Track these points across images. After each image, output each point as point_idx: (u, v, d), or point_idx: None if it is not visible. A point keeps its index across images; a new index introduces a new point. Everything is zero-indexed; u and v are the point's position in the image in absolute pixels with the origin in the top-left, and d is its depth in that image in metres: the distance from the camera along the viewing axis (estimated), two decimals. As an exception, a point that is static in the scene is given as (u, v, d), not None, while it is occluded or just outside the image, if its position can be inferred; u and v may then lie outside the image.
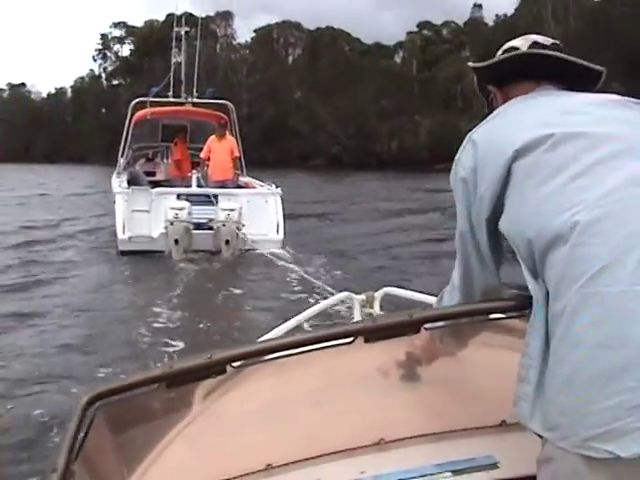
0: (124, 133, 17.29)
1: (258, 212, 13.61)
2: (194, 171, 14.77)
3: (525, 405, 1.41)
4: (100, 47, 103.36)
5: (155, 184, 14.92)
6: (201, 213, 13.03)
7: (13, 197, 26.90)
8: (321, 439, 1.92)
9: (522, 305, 1.54)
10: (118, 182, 14.99)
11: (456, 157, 1.69)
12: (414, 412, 2.03)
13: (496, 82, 1.85)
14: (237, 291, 10.67)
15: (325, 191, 33.54)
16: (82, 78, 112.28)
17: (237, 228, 12.73)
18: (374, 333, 1.62)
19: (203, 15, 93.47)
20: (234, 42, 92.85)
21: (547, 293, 1.39)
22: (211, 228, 12.88)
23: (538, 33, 1.88)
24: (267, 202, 14.00)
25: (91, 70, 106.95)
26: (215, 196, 13.54)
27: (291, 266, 11.97)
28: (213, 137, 15.05)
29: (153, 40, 78.28)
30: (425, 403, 2.04)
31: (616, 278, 1.29)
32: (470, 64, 1.90)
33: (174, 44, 20.34)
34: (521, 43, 1.81)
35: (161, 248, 12.74)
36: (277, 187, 14.42)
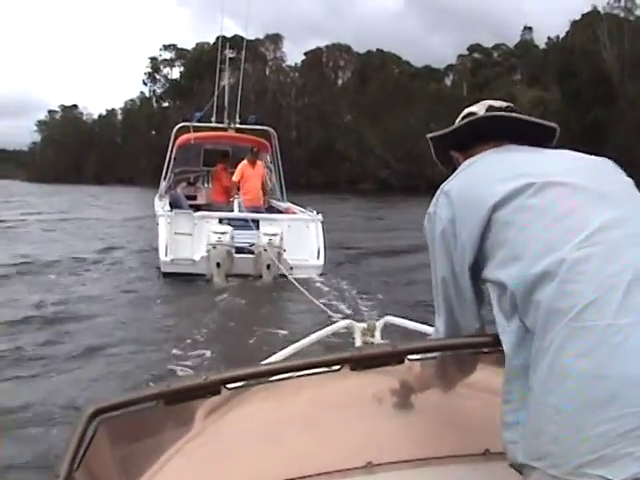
0: (167, 157, 17.54)
1: (299, 237, 13.70)
2: (236, 196, 14.95)
3: (510, 436, 1.50)
4: (150, 70, 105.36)
5: (196, 208, 15.12)
6: (243, 237, 13.13)
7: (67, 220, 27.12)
8: (312, 460, 2.00)
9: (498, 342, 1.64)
10: (161, 205, 15.22)
11: (430, 210, 1.78)
12: (401, 438, 2.12)
13: (459, 147, 1.96)
14: (275, 316, 10.66)
15: (374, 216, 33.41)
16: (132, 100, 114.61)
17: (278, 253, 12.73)
18: (360, 362, 1.72)
19: (252, 38, 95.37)
20: (283, 65, 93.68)
21: (526, 330, 1.48)
22: (252, 252, 12.96)
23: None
24: (308, 227, 14.09)
25: (142, 92, 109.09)
26: (256, 221, 13.67)
27: (329, 293, 11.97)
28: (245, 162, 15.18)
29: (203, 62, 79.40)
30: (411, 430, 2.14)
31: (601, 313, 1.37)
32: (429, 135, 2.01)
33: (219, 68, 20.48)
34: (478, 108, 1.96)
35: (203, 271, 12.84)
36: (318, 213, 14.50)
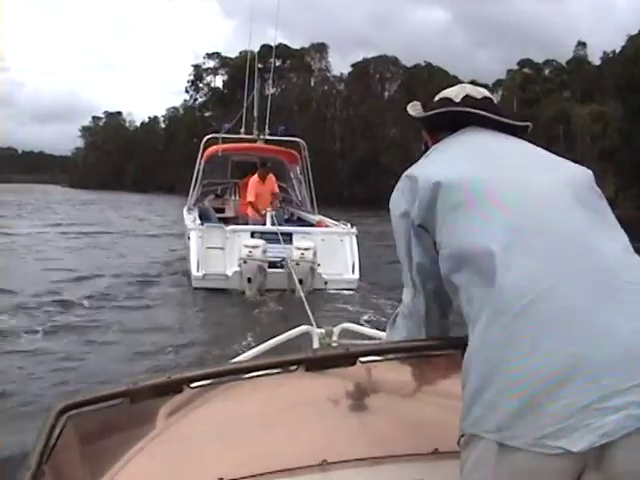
0: (195, 169, 17.46)
1: (333, 251, 13.57)
2: (268, 209, 14.75)
3: (475, 410, 1.53)
4: (193, 78, 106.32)
5: (224, 221, 15.08)
6: (275, 251, 12.98)
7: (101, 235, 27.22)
8: (268, 458, 2.09)
9: (455, 344, 1.74)
10: (191, 218, 15.13)
11: (393, 195, 1.89)
12: (355, 437, 2.23)
13: (428, 130, 2.10)
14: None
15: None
16: (175, 108, 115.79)
17: (311, 268, 12.65)
18: (314, 363, 1.84)
19: (298, 47, 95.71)
20: (328, 75, 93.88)
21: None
22: (282, 266, 12.80)
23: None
24: (342, 241, 13.93)
25: (185, 100, 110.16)
26: (289, 234, 13.54)
27: (363, 308, 11.90)
28: (256, 178, 15.10)
29: (245, 71, 79.72)
30: (365, 429, 2.25)
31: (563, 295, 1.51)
32: (409, 111, 2.11)
33: (247, 78, 20.28)
34: (455, 94, 2.04)
35: (235, 286, 12.77)
36: (352, 226, 14.36)
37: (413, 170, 1.85)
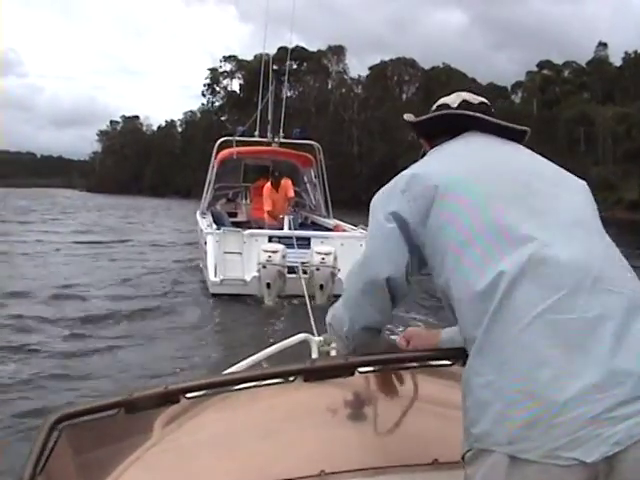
0: (208, 172, 17.34)
1: (352, 256, 13.13)
2: (283, 214, 14.61)
3: (483, 423, 1.51)
4: (209, 81, 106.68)
5: (236, 225, 14.88)
6: (295, 256, 12.76)
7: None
8: (266, 469, 2.11)
9: (455, 355, 1.73)
10: (206, 222, 15.00)
11: (385, 191, 1.87)
12: (353, 447, 2.24)
13: (426, 136, 2.05)
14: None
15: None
16: (191, 112, 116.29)
17: (332, 273, 12.45)
18: (312, 374, 1.82)
19: (315, 49, 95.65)
20: (346, 77, 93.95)
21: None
22: (305, 272, 12.51)
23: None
24: (362, 246, 13.52)
25: (203, 104, 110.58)
26: (307, 239, 13.39)
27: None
28: (269, 187, 15.04)
29: (265, 75, 79.71)
30: (363, 440, 2.27)
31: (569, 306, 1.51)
32: (405, 117, 2.09)
33: (262, 80, 20.02)
34: (452, 100, 2.02)
35: (253, 292, 12.54)
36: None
37: (413, 170, 1.84)
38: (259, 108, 18.17)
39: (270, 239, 13.09)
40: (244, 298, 12.48)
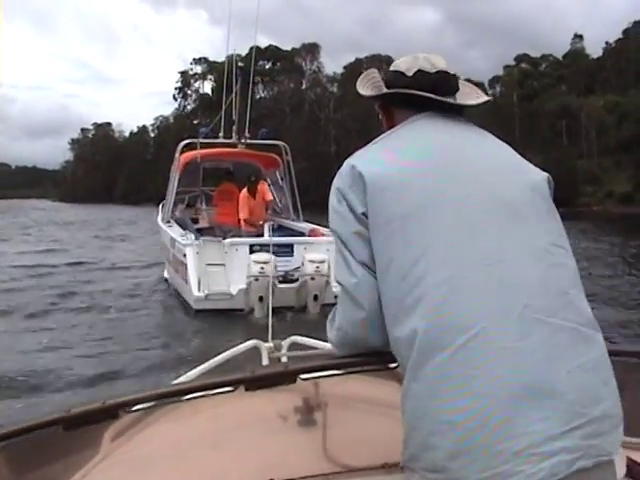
0: (171, 177, 16.67)
1: None
2: (261, 222, 14.08)
3: (411, 446, 1.52)
4: (180, 85, 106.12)
5: (199, 232, 14.10)
6: (284, 266, 12.29)
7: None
8: (218, 479, 2.17)
9: (392, 359, 1.69)
10: (179, 232, 14.28)
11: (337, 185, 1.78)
12: (302, 454, 2.28)
13: (380, 104, 1.97)
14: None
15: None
16: (163, 117, 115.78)
17: (327, 282, 11.75)
18: (253, 383, 1.80)
19: (288, 48, 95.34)
20: (321, 76, 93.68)
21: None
22: (294, 281, 12.10)
23: None
24: None
25: (176, 109, 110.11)
26: (290, 245, 12.87)
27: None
28: (245, 194, 14.40)
29: (237, 75, 79.51)
30: (312, 446, 2.26)
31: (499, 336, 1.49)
32: (358, 85, 1.96)
33: (234, 77, 19.06)
34: (407, 67, 1.88)
35: (240, 306, 11.95)
36: None
37: (359, 161, 1.76)
38: (223, 108, 17.47)
39: (251, 248, 12.52)
40: (228, 313, 11.78)
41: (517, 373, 1.45)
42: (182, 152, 16.26)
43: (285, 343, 3.46)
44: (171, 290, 14.88)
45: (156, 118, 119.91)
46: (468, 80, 2.03)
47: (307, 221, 15.91)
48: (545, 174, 1.81)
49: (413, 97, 1.84)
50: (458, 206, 1.61)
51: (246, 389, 1.80)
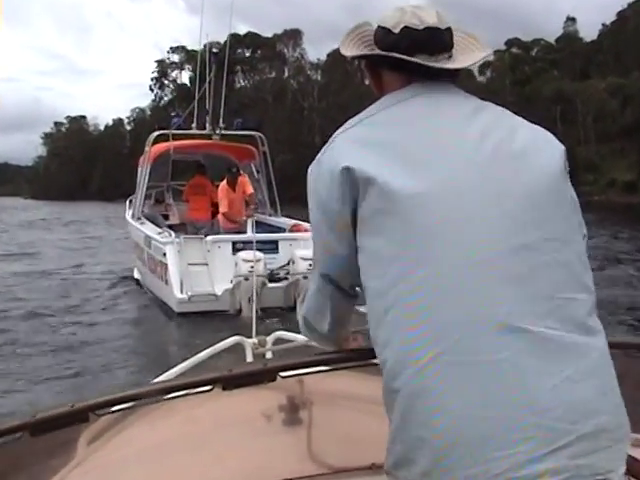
0: (140, 170, 16.36)
1: None
2: (244, 217, 13.81)
3: (393, 453, 1.50)
4: (157, 75, 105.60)
5: (170, 228, 13.98)
6: (269, 264, 12.11)
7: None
8: None
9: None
10: (154, 230, 14.07)
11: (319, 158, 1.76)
12: (286, 456, 2.27)
13: (367, 65, 1.86)
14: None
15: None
16: (140, 109, 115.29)
17: None
18: (231, 382, 1.80)
19: (270, 35, 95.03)
20: (304, 63, 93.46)
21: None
22: (281, 280, 12.00)
23: None
24: None
25: (153, 100, 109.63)
26: (275, 242, 12.82)
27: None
28: (225, 186, 14.12)
29: (221, 65, 79.00)
30: (297, 447, 2.27)
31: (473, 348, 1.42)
32: (341, 44, 1.85)
33: (208, 66, 18.66)
34: (393, 23, 1.76)
35: (225, 307, 11.82)
36: None
37: (341, 147, 1.68)
38: (196, 98, 17.17)
39: (234, 245, 12.49)
40: (212, 315, 11.57)
41: (494, 389, 1.39)
42: (153, 144, 15.98)
43: (270, 339, 3.45)
44: (146, 292, 14.62)
45: (132, 110, 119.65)
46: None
47: (287, 216, 15.77)
48: (559, 148, 1.69)
49: (400, 60, 1.74)
50: (443, 200, 1.52)
51: (224, 388, 1.79)
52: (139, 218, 15.56)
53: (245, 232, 13.21)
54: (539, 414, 1.37)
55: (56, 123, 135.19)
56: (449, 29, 1.78)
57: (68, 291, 16.03)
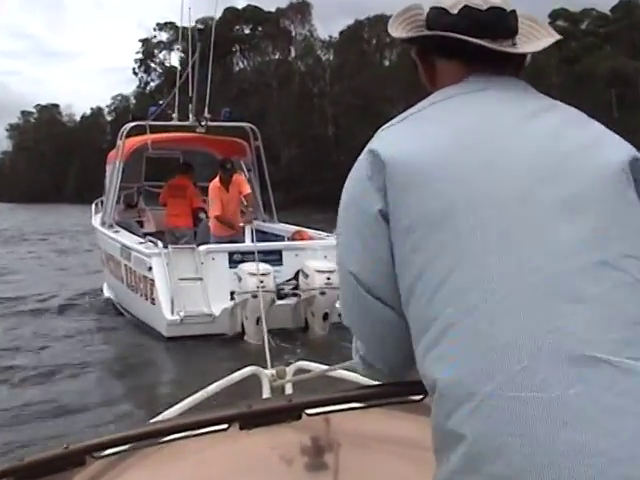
0: (111, 169, 16.24)
1: None
2: (241, 222, 13.85)
3: None
4: (141, 56, 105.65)
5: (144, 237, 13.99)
6: (277, 277, 12.11)
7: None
8: None
9: (416, 390, 1.70)
10: (134, 239, 13.99)
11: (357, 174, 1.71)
12: None
13: (418, 51, 1.89)
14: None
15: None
16: (122, 96, 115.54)
17: (339, 296, 11.69)
18: (250, 420, 1.81)
19: (273, 9, 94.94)
20: (313, 41, 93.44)
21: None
22: (285, 296, 12.04)
23: None
24: None
25: (138, 86, 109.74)
26: (278, 252, 12.79)
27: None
28: (218, 184, 13.97)
29: (207, 43, 78.91)
30: None
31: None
32: (390, 25, 1.87)
33: (190, 42, 18.07)
34: (451, 2, 1.78)
35: (224, 330, 11.82)
36: None
37: (381, 144, 1.68)
38: (177, 85, 16.89)
39: (231, 256, 12.42)
40: (209, 339, 11.59)
41: (566, 434, 1.35)
42: (127, 136, 15.75)
43: (290, 369, 3.46)
44: (122, 314, 14.50)
45: (114, 98, 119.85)
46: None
47: (285, 222, 15.68)
48: (630, 152, 1.68)
49: (458, 43, 1.75)
50: (500, 210, 1.53)
51: (241, 427, 1.79)
52: (111, 226, 15.39)
53: (240, 241, 13.23)
54: (624, 463, 1.33)
55: (23, 113, 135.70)
56: (514, 12, 1.79)
57: (33, 321, 15.54)
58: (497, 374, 1.40)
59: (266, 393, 3.39)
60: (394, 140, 1.67)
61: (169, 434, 1.84)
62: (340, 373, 3.19)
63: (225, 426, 1.80)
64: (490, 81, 1.75)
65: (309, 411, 1.87)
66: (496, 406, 1.39)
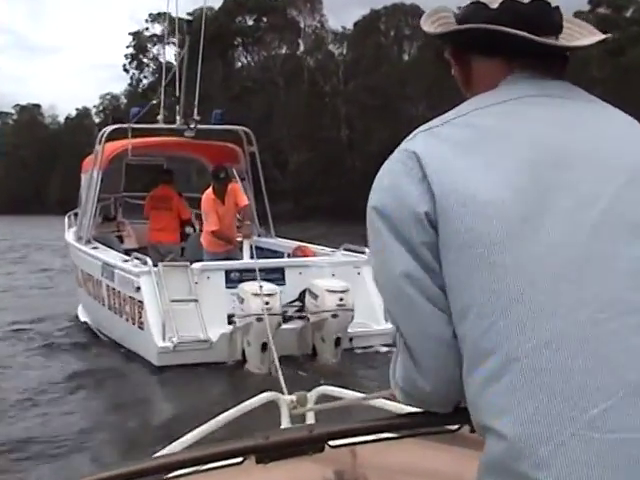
0: (87, 177, 16.22)
1: (352, 291, 12.26)
2: (238, 237, 13.85)
3: None
4: (132, 51, 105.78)
5: (127, 255, 14.02)
6: (284, 299, 12.11)
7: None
8: None
9: (460, 418, 1.71)
10: (118, 256, 14.03)
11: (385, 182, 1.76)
12: None
13: (453, 48, 1.92)
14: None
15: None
16: (111, 95, 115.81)
17: (352, 318, 11.81)
18: (268, 452, 1.80)
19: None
20: (324, 34, 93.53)
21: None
22: (290, 319, 12.13)
23: None
24: (360, 274, 12.95)
25: (129, 84, 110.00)
26: (281, 270, 12.84)
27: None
28: (212, 196, 13.95)
29: (206, 36, 78.75)
30: None
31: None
32: (422, 22, 1.91)
33: (177, 33, 17.91)
34: None
35: (221, 358, 11.82)
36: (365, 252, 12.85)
37: (423, 148, 1.73)
38: (163, 84, 16.79)
39: (228, 275, 12.37)
40: (205, 367, 11.59)
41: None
42: (107, 141, 15.62)
43: (311, 395, 3.51)
44: (101, 340, 14.39)
45: (102, 97, 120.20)
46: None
47: (283, 237, 15.88)
48: None
49: (498, 38, 1.77)
50: (566, 229, 1.55)
51: (257, 461, 1.79)
52: (89, 241, 15.40)
53: (237, 258, 13.29)
54: None
55: (1, 114, 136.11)
56: (558, 8, 1.81)
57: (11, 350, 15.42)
58: (580, 414, 1.41)
59: (285, 422, 3.41)
60: (435, 147, 1.69)
61: (175, 469, 1.83)
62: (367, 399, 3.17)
63: (240, 459, 1.80)
64: (538, 83, 1.77)
65: (333, 442, 1.88)
66: (579, 449, 1.39)
